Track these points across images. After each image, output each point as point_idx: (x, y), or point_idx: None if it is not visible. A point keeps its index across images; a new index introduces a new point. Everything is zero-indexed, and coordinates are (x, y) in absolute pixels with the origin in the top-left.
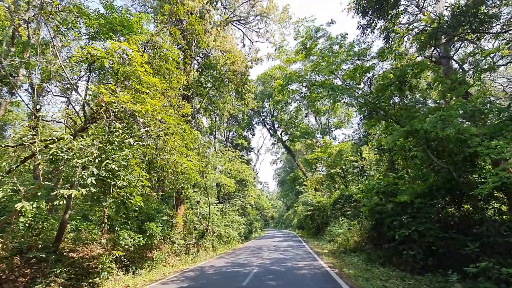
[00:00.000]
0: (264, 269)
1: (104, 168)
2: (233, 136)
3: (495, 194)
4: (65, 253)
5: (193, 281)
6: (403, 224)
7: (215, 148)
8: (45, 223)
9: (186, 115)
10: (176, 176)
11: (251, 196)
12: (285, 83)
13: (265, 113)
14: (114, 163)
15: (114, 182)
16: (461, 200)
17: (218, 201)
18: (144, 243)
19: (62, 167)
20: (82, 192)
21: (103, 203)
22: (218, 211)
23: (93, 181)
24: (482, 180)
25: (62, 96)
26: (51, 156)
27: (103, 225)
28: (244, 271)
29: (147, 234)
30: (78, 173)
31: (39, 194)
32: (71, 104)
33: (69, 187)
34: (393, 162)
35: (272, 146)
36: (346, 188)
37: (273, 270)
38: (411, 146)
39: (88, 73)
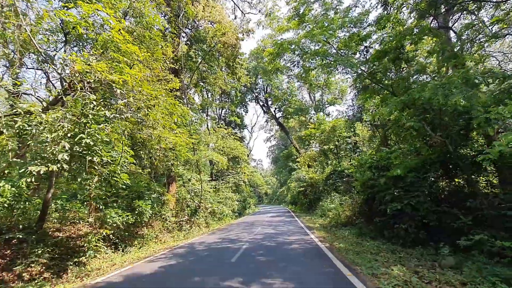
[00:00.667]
0: (255, 245)
1: (78, 143)
2: (226, 113)
3: (487, 168)
4: (50, 233)
5: (181, 258)
6: (395, 198)
7: (207, 125)
8: (27, 203)
9: (174, 89)
10: (165, 153)
11: (244, 173)
12: (276, 51)
13: (258, 89)
14: (89, 137)
15: (90, 158)
16: (454, 173)
17: (211, 179)
18: (133, 221)
19: (30, 142)
20: (53, 169)
21: (79, 180)
22: (211, 188)
23: (65, 157)
24: (475, 153)
25: (38, 69)
26: (17, 131)
27: (91, 203)
28: (234, 247)
29: (136, 212)
30: (48, 149)
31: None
32: (48, 78)
33: (38, 163)
34: (386, 138)
35: (265, 124)
36: (338, 163)
37: (263, 245)
38: (408, 118)
39: (65, 44)
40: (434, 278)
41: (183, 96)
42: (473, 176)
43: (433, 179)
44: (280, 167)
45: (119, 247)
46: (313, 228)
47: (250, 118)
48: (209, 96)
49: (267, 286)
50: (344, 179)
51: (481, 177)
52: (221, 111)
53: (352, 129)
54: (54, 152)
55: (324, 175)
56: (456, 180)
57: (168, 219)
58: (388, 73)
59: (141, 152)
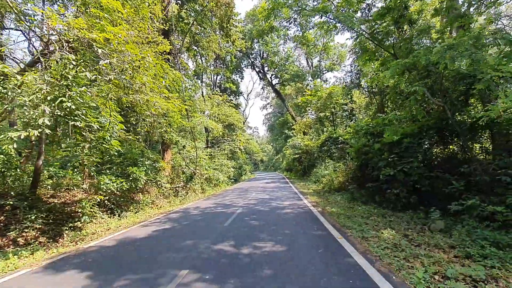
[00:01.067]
0: (248, 209)
1: (59, 107)
2: (221, 79)
3: (483, 134)
4: (44, 199)
5: (175, 223)
6: (389, 164)
7: (202, 92)
8: (18, 170)
9: (164, 53)
10: (156, 119)
11: (239, 140)
12: (271, 7)
13: (254, 55)
14: (70, 101)
15: (73, 123)
16: (449, 140)
17: (206, 146)
18: (128, 187)
19: (7, 106)
20: (34, 134)
21: (65, 146)
22: (206, 155)
23: (47, 122)
24: (473, 119)
25: (17, 29)
26: None
27: (84, 170)
28: (228, 212)
29: (131, 178)
30: (27, 113)
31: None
32: (29, 39)
33: (19, 129)
34: (383, 105)
35: (262, 91)
36: (334, 130)
37: (257, 210)
38: (408, 83)
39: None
40: (423, 241)
41: (175, 61)
42: (469, 143)
43: (428, 145)
44: (276, 135)
45: (115, 212)
46: (306, 194)
47: (246, 85)
48: (203, 61)
49: (258, 249)
50: (339, 146)
51: (475, 144)
52: (216, 77)
53: (349, 96)
54: (34, 116)
55: (319, 142)
56: (451, 146)
57: (163, 185)
58: (390, 36)
59: (132, 119)
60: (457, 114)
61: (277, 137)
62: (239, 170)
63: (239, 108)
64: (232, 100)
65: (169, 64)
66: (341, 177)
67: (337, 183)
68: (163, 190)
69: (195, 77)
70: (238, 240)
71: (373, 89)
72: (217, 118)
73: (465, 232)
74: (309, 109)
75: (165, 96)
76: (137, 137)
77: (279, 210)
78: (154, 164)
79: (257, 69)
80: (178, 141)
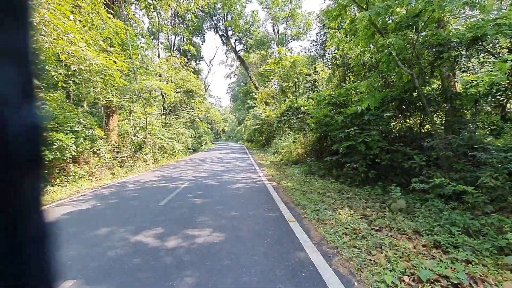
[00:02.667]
0: (196, 184)
1: None
2: (180, 41)
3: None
4: None
5: (100, 201)
6: (350, 136)
7: (158, 53)
8: None
9: None
10: (88, 76)
11: (199, 108)
12: None
13: (217, 16)
14: None
15: None
16: (410, 113)
17: (163, 113)
18: (52, 157)
19: None
20: None
21: None
22: (160, 123)
23: None
24: (438, 91)
25: None
26: None
27: None
28: (171, 186)
29: (55, 146)
30: None
31: None
32: None
33: None
34: (345, 78)
35: (226, 59)
36: (295, 100)
37: (205, 184)
38: (376, 51)
39: None
40: (384, 224)
41: (120, 11)
42: (430, 116)
43: (391, 117)
44: (239, 105)
45: None
46: (263, 166)
47: (209, 51)
48: (159, 18)
49: (189, 240)
50: (300, 116)
51: (437, 118)
52: (175, 38)
53: (313, 67)
54: None
55: (280, 112)
56: (408, 121)
57: (103, 155)
58: None
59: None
60: (420, 85)
61: (240, 107)
62: (199, 140)
63: (200, 74)
64: (189, 63)
65: (111, 13)
66: (300, 149)
67: (295, 155)
68: (105, 160)
69: (151, 37)
70: (168, 226)
71: (337, 61)
72: (173, 83)
73: (430, 214)
74: (272, 78)
75: (104, 50)
76: (63, 97)
77: (230, 184)
78: (88, 131)
79: (221, 32)
80: (123, 105)
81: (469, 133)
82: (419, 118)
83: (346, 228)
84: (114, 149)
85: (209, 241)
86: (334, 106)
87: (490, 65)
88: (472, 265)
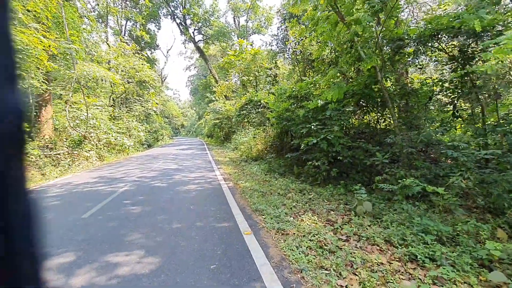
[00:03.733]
0: (139, 186)
1: None
2: (133, 26)
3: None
4: None
5: None
6: (312, 132)
7: (106, 38)
8: None
9: None
10: None
11: (152, 100)
12: None
13: (175, 3)
14: None
15: None
16: (372, 108)
17: (112, 105)
18: None
19: None
20: None
21: None
22: (107, 115)
23: None
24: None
25: None
26: None
27: None
28: (107, 190)
29: None
30: None
31: None
32: None
33: None
34: (305, 74)
35: (185, 50)
36: (256, 93)
37: (150, 186)
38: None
39: None
40: (352, 232)
41: None
42: (392, 111)
43: (352, 112)
44: (199, 99)
45: None
46: (221, 163)
47: (166, 41)
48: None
49: (108, 271)
50: (259, 110)
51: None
52: (126, 23)
53: (274, 61)
54: None
55: (239, 105)
56: (366, 117)
57: (29, 152)
58: None
59: None
60: (382, 79)
61: (200, 101)
62: (155, 135)
63: (156, 64)
64: (141, 51)
65: None
66: (260, 145)
67: (255, 151)
68: (31, 158)
69: (99, 20)
70: (85, 249)
71: (297, 57)
72: (123, 71)
73: (398, 218)
74: (231, 72)
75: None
76: None
77: (181, 186)
78: None
79: (178, 21)
80: (61, 94)
81: (428, 129)
82: (378, 114)
83: (311, 240)
84: (47, 145)
85: (136, 271)
86: (295, 100)
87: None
88: (457, 286)
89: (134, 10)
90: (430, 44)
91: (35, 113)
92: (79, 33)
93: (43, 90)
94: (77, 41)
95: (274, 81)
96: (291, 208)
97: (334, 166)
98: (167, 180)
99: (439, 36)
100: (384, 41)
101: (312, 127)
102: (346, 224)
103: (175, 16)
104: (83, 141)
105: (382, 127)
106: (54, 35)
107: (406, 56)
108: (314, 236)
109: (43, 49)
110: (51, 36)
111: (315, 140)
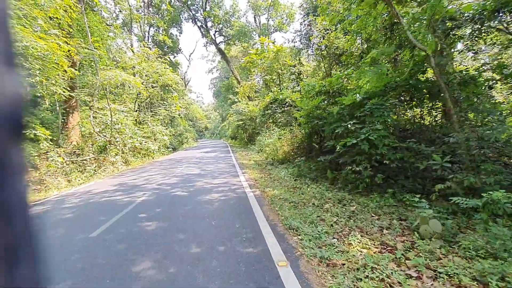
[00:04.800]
0: (158, 196)
1: None
2: (156, 32)
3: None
4: None
5: None
6: (349, 132)
7: (131, 44)
8: None
9: None
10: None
11: (176, 104)
12: None
13: (195, 6)
14: None
15: None
16: (420, 101)
17: (136, 109)
18: None
19: None
20: None
21: None
22: (132, 120)
23: None
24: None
25: None
26: None
27: None
28: (125, 201)
29: None
30: None
31: None
32: None
33: None
34: (331, 69)
35: (207, 53)
36: (280, 91)
37: (170, 196)
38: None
39: None
40: (423, 265)
41: None
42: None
43: (395, 107)
44: (221, 101)
45: None
46: (246, 167)
47: (188, 46)
48: (128, 2)
49: None
50: (285, 109)
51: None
52: (149, 29)
53: (297, 58)
54: None
55: (263, 105)
56: (406, 113)
57: (53, 159)
58: None
59: None
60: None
61: (223, 103)
62: (179, 138)
63: (178, 68)
64: (164, 55)
65: None
66: (286, 146)
67: (281, 153)
68: (56, 165)
69: (124, 28)
70: (79, 285)
71: (322, 52)
72: (147, 76)
73: (486, 247)
74: (253, 71)
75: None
76: None
77: (202, 195)
78: (28, 131)
79: (199, 24)
80: (86, 101)
81: (503, 125)
82: (426, 107)
83: (369, 277)
84: (74, 151)
85: None
86: (326, 96)
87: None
88: None
89: (157, 16)
90: (487, 24)
91: (62, 120)
92: (104, 41)
93: (65, 97)
94: (101, 47)
95: (298, 79)
96: (331, 225)
97: (378, 171)
98: (188, 187)
99: (500, 13)
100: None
101: (349, 126)
102: (410, 251)
103: (196, 20)
104: (108, 146)
105: (427, 123)
106: (76, 41)
107: (459, 38)
108: (372, 271)
109: (62, 55)
110: (73, 42)
111: (354, 140)
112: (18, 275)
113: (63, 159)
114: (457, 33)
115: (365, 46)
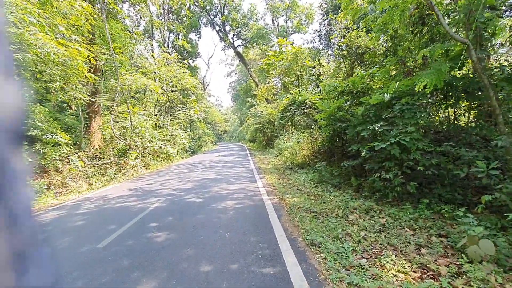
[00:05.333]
0: (171, 202)
1: None
2: (176, 37)
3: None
4: None
5: None
6: (375, 134)
7: (152, 50)
8: None
9: None
10: (43, 67)
11: (194, 108)
12: None
13: (214, 11)
14: None
15: None
16: (457, 100)
17: (156, 113)
18: None
19: None
20: None
21: None
22: (152, 124)
23: None
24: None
25: None
26: None
27: None
28: (138, 207)
29: None
30: None
31: None
32: None
33: None
34: (352, 70)
35: (226, 58)
36: (299, 92)
37: (184, 202)
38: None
39: None
40: None
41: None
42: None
43: (435, 106)
44: (240, 104)
45: None
46: (264, 171)
47: (207, 50)
48: (149, 10)
49: None
50: (305, 111)
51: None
52: (169, 34)
53: (317, 59)
54: None
55: (281, 107)
56: (438, 113)
57: (74, 163)
58: None
59: None
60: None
61: (241, 107)
62: (198, 141)
63: (197, 72)
64: (183, 60)
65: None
66: (305, 150)
67: (301, 157)
68: (77, 169)
69: (146, 35)
70: None
71: (343, 52)
72: (167, 80)
73: None
74: (272, 73)
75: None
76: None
77: (217, 202)
78: (47, 136)
79: (218, 28)
80: (107, 105)
81: None
82: (464, 107)
83: None
84: (96, 155)
85: None
86: (350, 97)
87: None
88: None
89: (176, 22)
90: None
91: (86, 124)
92: (126, 47)
93: (86, 102)
94: (124, 54)
95: (318, 80)
96: (359, 241)
97: (410, 179)
98: (203, 193)
99: None
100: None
101: (376, 128)
102: (456, 278)
103: (215, 24)
104: (128, 150)
105: (463, 124)
106: (97, 47)
107: (500, 30)
108: None
109: (82, 61)
110: (94, 48)
111: (383, 145)
112: (26, 283)
113: (84, 162)
114: (497, 23)
115: (390, 43)
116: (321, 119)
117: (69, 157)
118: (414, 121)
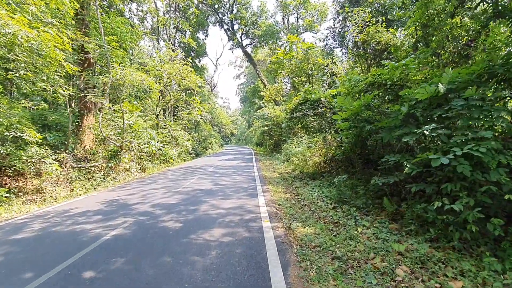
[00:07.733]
0: (139, 227)
1: None
2: (182, 35)
3: None
4: None
5: None
6: (422, 141)
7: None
8: None
9: None
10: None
11: (198, 108)
12: None
13: (222, 9)
14: None
15: None
16: None
17: (159, 113)
18: None
19: None
20: None
21: None
22: (151, 124)
23: None
24: None
25: None
26: None
27: None
28: (88, 237)
29: None
30: None
31: None
32: None
33: None
34: (369, 68)
35: (235, 59)
36: (311, 89)
37: (154, 230)
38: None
39: None
40: None
41: None
42: None
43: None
44: (248, 106)
45: None
46: (269, 181)
47: (215, 50)
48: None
49: None
50: (320, 111)
51: None
52: (176, 32)
53: (330, 58)
54: None
55: (290, 106)
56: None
57: (48, 166)
58: None
59: None
60: None
61: (249, 109)
62: (203, 143)
63: (204, 72)
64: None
65: None
66: (317, 157)
67: (311, 165)
68: (55, 172)
69: (153, 34)
70: None
71: (359, 48)
72: (169, 79)
73: None
74: (281, 73)
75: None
76: None
77: (201, 230)
78: (8, 133)
79: (226, 27)
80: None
81: None
82: None
83: None
84: (85, 157)
85: None
86: (382, 90)
87: None
88: None
89: (183, 20)
90: None
91: (77, 123)
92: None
93: (63, 95)
94: (121, 47)
95: (331, 80)
96: None
97: (490, 212)
98: (187, 213)
99: None
100: None
101: (425, 132)
102: None
103: (223, 23)
104: (119, 152)
105: None
106: (79, 34)
107: None
108: None
109: (60, 48)
110: (77, 36)
111: (446, 160)
112: None
113: (61, 166)
114: None
115: (420, 33)
116: (341, 120)
117: (43, 159)
118: (489, 123)
